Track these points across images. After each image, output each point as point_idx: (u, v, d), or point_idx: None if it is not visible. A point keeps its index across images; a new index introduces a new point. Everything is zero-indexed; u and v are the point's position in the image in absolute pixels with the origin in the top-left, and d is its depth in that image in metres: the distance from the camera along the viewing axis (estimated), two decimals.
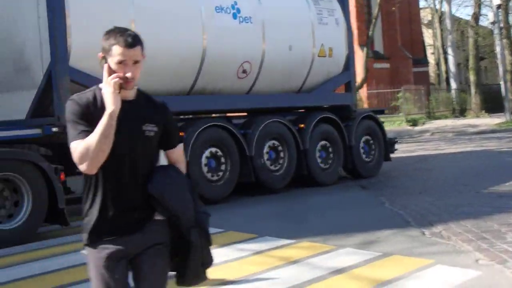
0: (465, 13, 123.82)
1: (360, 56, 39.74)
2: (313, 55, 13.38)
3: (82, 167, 3.04)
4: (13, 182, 8.93)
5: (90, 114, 3.09)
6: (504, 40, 37.52)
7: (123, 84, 3.10)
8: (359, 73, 39.65)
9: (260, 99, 12.65)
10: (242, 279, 6.23)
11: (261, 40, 12.34)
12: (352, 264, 6.58)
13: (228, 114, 12.91)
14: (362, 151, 14.17)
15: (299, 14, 13.33)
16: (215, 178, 11.49)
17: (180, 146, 3.45)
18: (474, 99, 40.89)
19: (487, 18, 39.42)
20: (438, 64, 51.30)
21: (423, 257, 6.73)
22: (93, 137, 2.99)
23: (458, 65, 46.15)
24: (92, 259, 3.20)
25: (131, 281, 3.31)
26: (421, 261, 6.56)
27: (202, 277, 3.35)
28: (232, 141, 11.64)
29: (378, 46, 43.58)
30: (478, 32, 43.22)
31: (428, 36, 55.46)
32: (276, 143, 12.46)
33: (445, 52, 46.62)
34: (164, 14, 11.04)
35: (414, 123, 33.44)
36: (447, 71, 46.42)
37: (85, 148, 3.00)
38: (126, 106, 3.13)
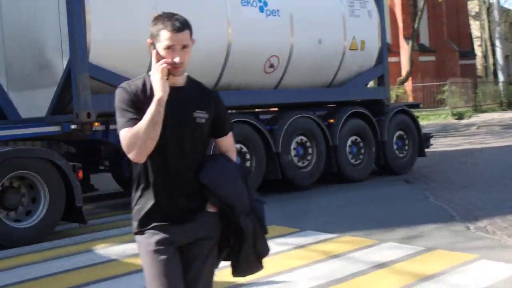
0: None
1: (405, 49, 39.28)
2: (344, 49, 12.87)
3: (131, 156, 2.98)
4: (28, 179, 8.72)
5: (139, 101, 3.04)
6: None
7: (171, 70, 3.02)
8: (405, 66, 39.30)
9: (288, 94, 12.21)
10: (283, 273, 6.14)
11: (289, 34, 11.89)
12: (394, 258, 6.49)
13: (258, 110, 12.47)
14: (395, 146, 13.61)
15: (329, 6, 12.82)
16: None
17: (231, 135, 3.34)
18: None
19: None
20: (485, 56, 50.18)
21: (467, 252, 6.63)
22: (141, 125, 2.94)
23: (506, 57, 44.82)
24: (143, 246, 3.13)
25: None
26: (465, 256, 6.46)
27: (257, 267, 3.28)
28: (258, 137, 11.24)
29: (424, 39, 42.71)
30: None
31: (475, 28, 54.02)
32: (304, 139, 12.01)
33: (492, 44, 45.56)
34: (188, 8, 10.50)
35: (460, 116, 32.65)
36: (494, 64, 45.24)
37: (134, 136, 2.94)
38: (176, 93, 3.06)
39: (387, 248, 7.01)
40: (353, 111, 12.78)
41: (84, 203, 10.51)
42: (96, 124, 9.61)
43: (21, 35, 10.22)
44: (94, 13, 9.53)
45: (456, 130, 27.02)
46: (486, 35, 48.03)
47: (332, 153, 12.30)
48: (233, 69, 11.26)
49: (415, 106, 15.50)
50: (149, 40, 3.09)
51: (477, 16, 52.82)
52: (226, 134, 3.31)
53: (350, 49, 12.94)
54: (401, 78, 38.39)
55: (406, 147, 13.89)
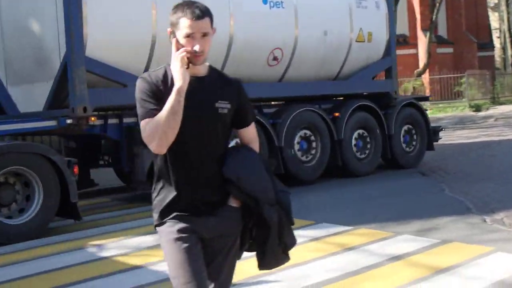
0: None
1: (423, 41, 38.77)
2: (351, 41, 12.53)
3: (152, 146, 2.93)
4: (23, 176, 8.52)
5: (160, 92, 2.97)
6: None
7: (191, 59, 2.94)
8: (422, 58, 38.77)
9: (293, 87, 11.91)
10: (299, 265, 6.03)
11: (293, 26, 11.57)
12: (410, 251, 6.44)
13: (261, 103, 12.17)
14: (402, 140, 13.27)
15: None
16: None
17: (253, 125, 3.27)
18: None
19: None
20: (504, 48, 49.35)
21: (483, 245, 6.55)
22: (161, 115, 2.88)
23: None
24: (164, 235, 3.07)
25: None
26: (481, 249, 6.39)
27: (283, 259, 3.22)
28: (260, 131, 10.92)
29: (442, 31, 42.00)
30: None
31: (494, 19, 53.15)
32: (308, 132, 11.71)
33: (511, 36, 44.54)
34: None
35: (477, 108, 32.16)
36: None
37: (154, 126, 2.89)
38: (197, 83, 3.00)
39: (403, 240, 6.96)
40: (359, 104, 12.46)
41: (83, 198, 10.43)
42: (92, 118, 9.41)
43: (19, 30, 10.03)
44: (91, 6, 9.33)
45: (474, 122, 26.61)
46: (505, 27, 47.23)
47: (337, 147, 11.99)
48: (236, 62, 10.97)
49: (424, 99, 15.18)
50: (169, 29, 3.01)
51: (496, 7, 52.09)
52: (248, 124, 3.23)
53: (356, 41, 12.60)
54: (418, 70, 37.91)
55: (414, 141, 13.56)
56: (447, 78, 36.29)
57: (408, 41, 40.55)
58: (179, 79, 2.89)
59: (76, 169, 9.05)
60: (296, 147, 11.57)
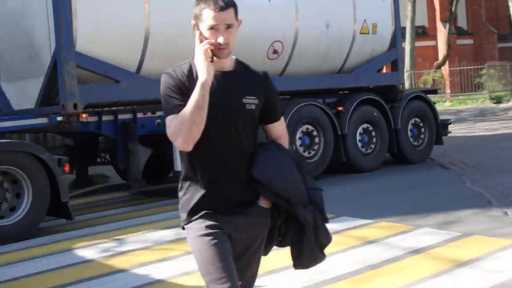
0: None
1: (442, 33, 38.25)
2: (354, 33, 12.12)
3: (177, 143, 2.85)
4: (12, 175, 8.27)
5: (185, 87, 2.88)
6: None
7: (215, 52, 2.84)
8: (442, 50, 38.20)
9: (294, 81, 11.53)
10: None
11: (293, 18, 11.19)
12: (430, 244, 6.39)
13: None
14: (409, 134, 12.85)
15: None
16: None
17: (283, 120, 3.17)
18: None
19: None
20: None
21: (504, 238, 6.47)
22: (186, 111, 2.80)
23: None
24: (192, 232, 2.98)
25: None
26: (502, 242, 6.32)
27: (320, 258, 3.15)
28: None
29: (462, 22, 41.36)
30: None
31: None
32: (310, 127, 11.33)
33: None
34: None
35: (498, 100, 31.48)
36: None
37: (178, 122, 2.81)
38: (223, 78, 2.94)
39: (423, 233, 6.91)
40: (363, 98, 12.06)
41: (79, 197, 10.19)
42: (83, 115, 9.14)
43: (11, 25, 9.78)
44: (81, 0, 9.03)
45: (494, 114, 26.14)
46: None
47: (341, 142, 11.59)
48: (236, 55, 10.59)
49: (432, 92, 14.70)
50: (192, 22, 2.91)
51: None
52: (277, 119, 3.13)
53: (360, 33, 12.20)
54: (438, 62, 37.44)
55: (422, 135, 13.13)
56: (467, 70, 35.67)
57: (427, 32, 40.03)
58: (203, 72, 2.80)
59: (67, 168, 8.83)
60: (298, 142, 11.21)
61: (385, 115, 12.35)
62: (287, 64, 11.37)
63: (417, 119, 13.04)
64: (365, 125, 12.11)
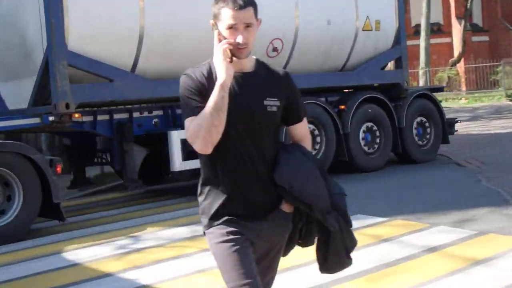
0: None
1: (458, 29, 37.84)
2: (357, 30, 11.81)
3: (196, 146, 2.77)
4: (2, 176, 8.10)
5: (204, 88, 2.81)
6: None
7: (234, 52, 2.77)
8: (457, 47, 37.74)
9: (295, 80, 11.08)
10: None
11: (293, 15, 10.92)
12: (446, 242, 6.35)
13: None
14: (414, 133, 12.53)
15: None
16: None
17: (305, 121, 3.09)
18: None
19: None
20: None
21: None
22: (204, 112, 2.73)
23: None
24: (213, 238, 2.91)
25: None
26: None
27: (346, 263, 3.08)
28: None
29: (477, 19, 40.92)
30: None
31: None
32: (311, 126, 11.03)
33: None
34: None
35: None
36: None
37: (197, 124, 2.73)
38: (243, 79, 2.86)
39: (439, 232, 6.87)
40: (366, 96, 11.76)
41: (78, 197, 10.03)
42: (76, 115, 8.94)
43: (5, 24, 9.60)
44: None
45: (510, 112, 25.61)
46: None
47: (343, 141, 11.30)
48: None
49: (438, 89, 14.39)
50: (211, 21, 2.84)
51: None
52: (299, 121, 3.05)
53: (363, 30, 11.88)
54: (453, 59, 37.08)
55: (428, 134, 12.81)
56: (482, 67, 35.33)
57: (442, 29, 39.64)
58: (222, 72, 2.73)
59: (59, 168, 8.63)
60: None
61: (389, 113, 12.04)
62: (287, 62, 11.09)
63: (423, 118, 12.72)
64: (368, 124, 11.82)
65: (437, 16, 38.25)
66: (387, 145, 11.97)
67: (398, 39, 12.52)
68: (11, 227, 8.03)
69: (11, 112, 9.49)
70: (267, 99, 2.88)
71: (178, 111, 10.28)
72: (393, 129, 12.04)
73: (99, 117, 9.57)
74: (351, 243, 3.04)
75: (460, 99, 32.43)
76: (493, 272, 5.32)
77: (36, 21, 8.97)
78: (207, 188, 2.95)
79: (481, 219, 7.32)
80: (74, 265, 6.60)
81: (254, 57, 2.94)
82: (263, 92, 2.89)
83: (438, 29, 39.06)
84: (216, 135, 2.75)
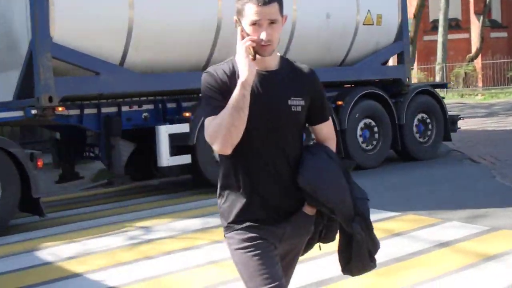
0: None
1: (476, 25, 37.20)
2: (357, 24, 11.37)
3: (215, 146, 2.66)
4: None
5: (226, 87, 2.67)
6: None
7: (258, 49, 2.62)
8: (475, 43, 37.08)
9: None
10: None
11: (291, 7, 10.46)
12: (458, 237, 6.32)
13: None
14: (415, 130, 12.07)
15: None
16: None
17: (330, 121, 2.95)
18: None
19: None
20: None
21: None
22: (225, 112, 2.60)
23: None
24: (234, 244, 2.79)
25: None
26: None
27: (370, 266, 2.96)
28: None
29: (496, 15, 40.08)
30: None
31: None
32: None
33: None
34: None
35: None
36: None
37: (217, 124, 2.61)
38: (267, 78, 2.73)
39: (451, 227, 6.82)
40: (365, 92, 11.30)
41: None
42: (60, 108, 8.63)
43: None
44: None
45: None
46: None
47: (340, 137, 10.86)
48: (226, 47, 9.99)
49: (441, 86, 13.83)
50: (234, 17, 2.70)
51: None
52: (324, 120, 2.91)
53: (364, 24, 11.44)
54: (470, 55, 36.43)
55: (429, 131, 12.34)
56: (500, 63, 34.68)
57: (460, 25, 38.93)
58: (244, 71, 2.59)
59: (40, 163, 8.31)
60: None
61: (389, 110, 11.59)
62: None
63: (424, 115, 12.26)
64: (367, 120, 11.39)
65: (455, 12, 37.58)
66: (385, 142, 11.54)
67: (400, 34, 12.07)
68: None
69: None
70: (292, 98, 2.75)
71: (169, 105, 10.00)
72: (392, 126, 11.61)
73: (86, 111, 9.28)
74: (374, 247, 2.95)
75: (477, 95, 31.80)
76: (504, 268, 5.29)
77: (22, 13, 8.69)
78: (226, 191, 2.83)
79: (493, 215, 7.24)
80: (88, 254, 6.57)
81: (279, 54, 2.79)
82: (288, 91, 2.76)
83: (456, 25, 38.37)
84: (236, 136, 2.63)
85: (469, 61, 35.84)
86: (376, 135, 11.48)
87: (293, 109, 2.75)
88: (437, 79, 33.10)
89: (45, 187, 10.44)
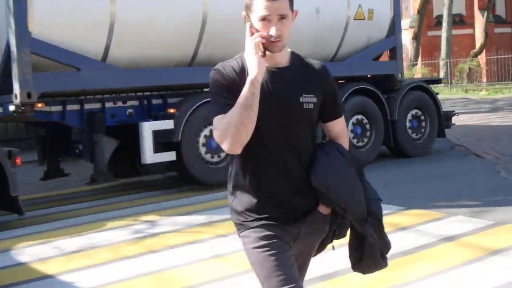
0: None
1: (480, 21, 36.84)
2: (348, 18, 11.05)
3: (224, 146, 2.55)
4: None
5: (235, 85, 2.59)
6: None
7: (267, 45, 2.54)
8: (479, 38, 36.66)
9: None
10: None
11: None
12: (463, 232, 6.31)
13: None
14: (409, 126, 11.75)
15: None
16: (215, 159, 9.63)
17: (343, 118, 2.86)
18: None
19: None
20: None
21: None
22: (234, 110, 2.51)
23: None
24: (249, 243, 2.70)
25: None
26: None
27: (381, 265, 2.90)
28: None
29: (500, 10, 39.75)
30: None
31: None
32: None
33: None
34: None
35: None
36: None
37: (226, 123, 2.52)
38: (278, 74, 2.65)
39: (456, 221, 6.81)
40: (356, 87, 10.97)
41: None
42: (39, 105, 8.38)
43: None
44: None
45: None
46: None
47: None
48: (212, 42, 9.76)
49: (435, 81, 13.49)
50: (243, 13, 2.61)
51: None
52: (337, 117, 2.82)
53: (354, 19, 11.12)
54: (474, 50, 36.07)
55: (423, 128, 12.02)
56: (504, 59, 34.20)
57: (464, 20, 38.56)
58: (254, 67, 2.49)
59: (18, 160, 8.06)
60: None
61: (382, 106, 11.27)
62: None
63: (418, 111, 11.94)
64: (358, 116, 11.08)
65: (459, 7, 37.22)
66: (377, 138, 11.22)
67: (393, 29, 11.74)
68: None
69: None
70: (303, 95, 2.67)
71: (154, 101, 9.74)
72: (385, 122, 11.30)
73: (69, 107, 9.02)
74: (386, 248, 2.88)
75: (481, 90, 31.42)
76: (510, 262, 5.28)
77: (1, 7, 8.43)
78: (237, 188, 2.75)
79: (498, 210, 7.23)
80: (92, 248, 6.57)
81: (289, 50, 2.72)
82: (299, 88, 2.68)
83: (460, 20, 37.99)
84: (246, 135, 2.54)
85: (473, 57, 35.47)
86: (368, 132, 11.18)
87: (305, 106, 2.66)
88: (441, 74, 32.76)
89: (29, 185, 10.29)
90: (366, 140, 11.15)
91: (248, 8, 2.59)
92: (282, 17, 2.55)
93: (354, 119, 11.01)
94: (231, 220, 2.81)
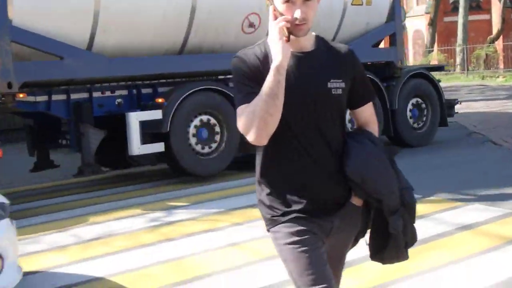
0: None
1: (497, 6, 36.13)
2: (345, 4, 10.63)
3: (249, 137, 2.40)
4: None
5: (259, 72, 2.45)
6: None
7: (292, 29, 2.39)
8: (495, 24, 35.86)
9: None
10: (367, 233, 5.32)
11: None
12: (480, 220, 6.24)
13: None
14: (409, 115, 11.30)
15: None
16: (206, 150, 9.27)
17: (371, 104, 2.70)
18: None
19: None
20: None
21: None
22: (259, 99, 2.37)
23: None
24: (280, 238, 2.57)
25: None
26: None
27: (403, 257, 2.78)
28: (230, 107, 9.25)
29: None
30: None
31: None
32: None
33: None
34: None
35: None
36: None
37: (250, 112, 2.37)
38: (303, 59, 2.51)
39: (474, 209, 6.74)
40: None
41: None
42: (21, 95, 8.09)
43: None
44: None
45: None
46: None
47: None
48: (202, 30, 9.41)
49: (438, 69, 13.00)
50: None
51: None
52: (366, 103, 2.68)
53: (352, 4, 10.69)
54: (491, 36, 35.37)
55: (424, 117, 11.57)
56: None
57: (481, 6, 37.86)
58: (278, 53, 2.35)
59: None
60: None
61: (381, 94, 10.81)
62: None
63: (419, 99, 11.49)
64: None
65: None
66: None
67: (392, 15, 11.26)
68: None
69: None
70: (331, 80, 2.52)
71: (144, 91, 9.41)
72: (384, 111, 10.85)
73: (54, 97, 8.72)
74: (412, 240, 2.75)
75: (498, 77, 30.73)
76: None
77: None
78: (265, 183, 2.60)
79: None
80: (109, 235, 6.59)
81: (314, 33, 2.58)
82: (326, 73, 2.54)
83: (476, 6, 37.27)
84: (272, 125, 2.40)
85: (490, 43, 34.75)
86: None
87: (333, 92, 2.52)
88: (458, 61, 32.16)
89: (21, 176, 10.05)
90: None
91: None
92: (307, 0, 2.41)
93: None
94: (260, 214, 2.67)
